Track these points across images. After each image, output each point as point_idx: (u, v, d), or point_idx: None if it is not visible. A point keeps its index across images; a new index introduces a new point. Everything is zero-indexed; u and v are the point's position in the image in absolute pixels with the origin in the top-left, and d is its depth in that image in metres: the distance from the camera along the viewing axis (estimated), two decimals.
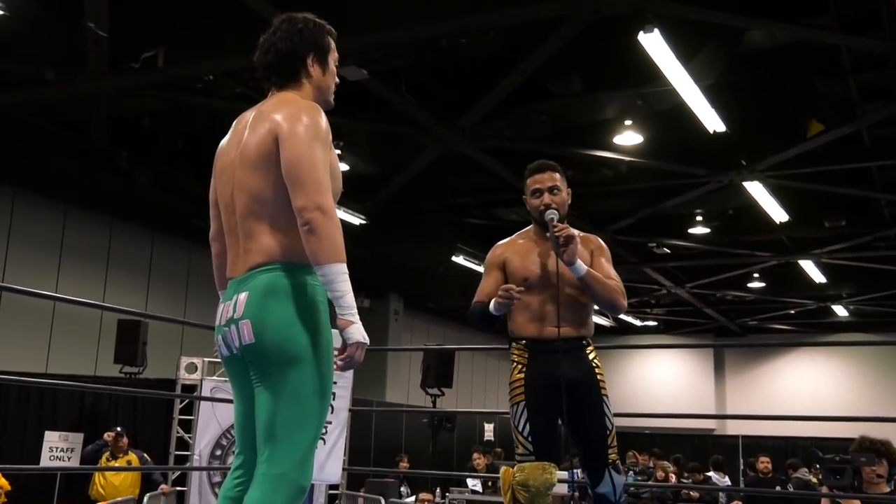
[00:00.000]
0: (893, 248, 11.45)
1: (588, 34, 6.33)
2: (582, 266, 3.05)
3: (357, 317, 2.15)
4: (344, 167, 8.94)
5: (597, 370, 3.11)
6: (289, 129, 2.17)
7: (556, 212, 3.15)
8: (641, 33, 5.87)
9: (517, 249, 3.28)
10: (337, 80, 2.47)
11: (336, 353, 2.21)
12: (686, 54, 6.40)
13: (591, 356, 3.14)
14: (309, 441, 2.15)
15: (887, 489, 4.05)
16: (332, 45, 2.42)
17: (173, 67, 6.72)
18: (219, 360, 2.37)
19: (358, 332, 2.14)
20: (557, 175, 3.23)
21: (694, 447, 16.78)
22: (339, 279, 2.10)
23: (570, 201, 3.27)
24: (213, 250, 2.46)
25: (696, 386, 19.12)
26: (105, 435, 7.85)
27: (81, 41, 6.40)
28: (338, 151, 8.46)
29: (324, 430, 5.35)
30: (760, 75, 7.55)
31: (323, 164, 2.16)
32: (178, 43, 6.65)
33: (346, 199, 9.69)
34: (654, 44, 6.01)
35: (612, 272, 3.18)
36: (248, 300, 2.16)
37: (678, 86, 6.72)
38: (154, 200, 9.49)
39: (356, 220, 9.97)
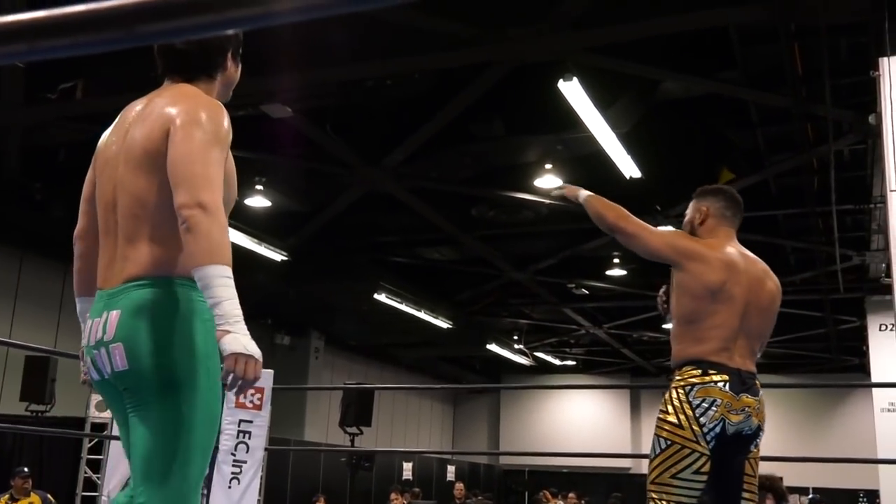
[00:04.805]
0: (798, 294, 11.94)
1: (511, 80, 6.51)
2: (584, 193, 3.22)
3: (239, 325, 1.81)
4: (266, 203, 8.92)
5: (661, 406, 2.86)
6: (182, 124, 1.92)
7: None
8: (561, 81, 6.07)
9: None
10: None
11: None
12: (604, 103, 6.64)
13: (669, 390, 2.87)
14: (195, 478, 1.92)
15: None
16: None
17: (92, 99, 6.61)
18: None
19: (236, 342, 1.78)
20: (692, 201, 3.19)
21: (609, 486, 16.98)
22: (216, 283, 1.80)
23: (699, 219, 3.10)
24: (77, 250, 2.23)
25: (612, 425, 19.42)
26: (12, 482, 7.50)
27: None
28: (259, 188, 8.42)
29: (238, 470, 5.27)
30: (675, 125, 7.86)
31: (216, 162, 1.91)
32: (98, 74, 6.56)
33: (269, 236, 9.62)
34: (573, 92, 6.22)
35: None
36: (119, 320, 1.91)
37: (596, 133, 6.95)
38: (68, 234, 9.16)
39: (278, 257, 9.90)
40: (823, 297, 11.92)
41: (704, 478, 2.75)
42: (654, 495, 2.77)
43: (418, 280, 12.18)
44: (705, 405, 2.75)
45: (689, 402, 2.76)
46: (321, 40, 6.06)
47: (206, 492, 5.28)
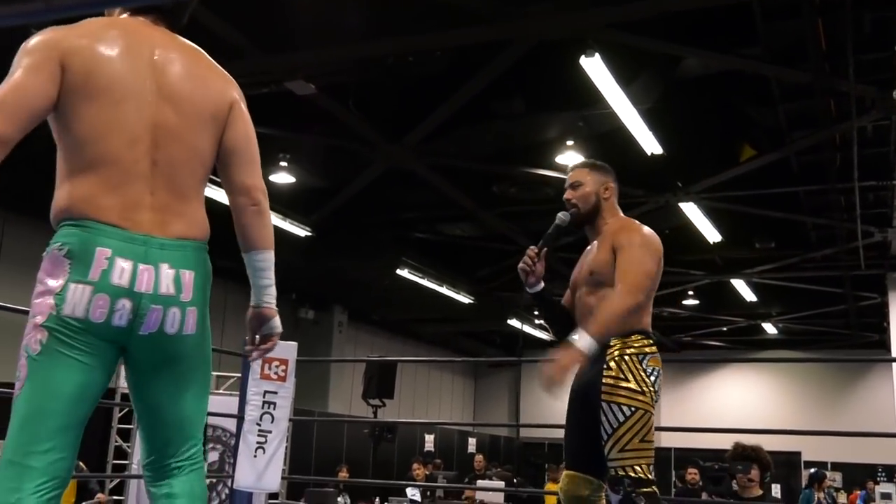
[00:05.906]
0: (819, 270, 11.93)
1: (532, 57, 6.53)
2: (585, 340, 2.78)
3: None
4: (290, 180, 9.02)
5: (605, 372, 2.85)
6: (243, 104, 2.06)
7: (567, 213, 3.22)
8: (583, 58, 6.10)
9: None
10: None
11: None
12: (625, 79, 6.65)
13: (608, 359, 2.86)
14: None
15: (759, 492, 4.33)
16: None
17: None
18: None
19: (280, 326, 2.09)
20: (585, 170, 3.18)
21: None
22: (272, 267, 2.05)
23: (606, 195, 3.13)
24: None
25: None
26: None
27: (18, 41, 6.37)
28: (284, 164, 8.54)
29: (264, 439, 5.41)
30: (696, 101, 7.85)
31: None
32: None
33: (292, 212, 9.74)
34: (594, 68, 6.24)
35: (626, 265, 2.90)
36: (194, 283, 1.89)
37: (618, 109, 6.97)
38: None
39: (302, 233, 10.02)
40: (844, 274, 11.89)
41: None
42: (628, 461, 2.77)
43: (440, 256, 12.27)
44: (656, 373, 2.90)
45: (644, 370, 2.87)
46: (343, 17, 6.13)
47: (231, 461, 5.43)
